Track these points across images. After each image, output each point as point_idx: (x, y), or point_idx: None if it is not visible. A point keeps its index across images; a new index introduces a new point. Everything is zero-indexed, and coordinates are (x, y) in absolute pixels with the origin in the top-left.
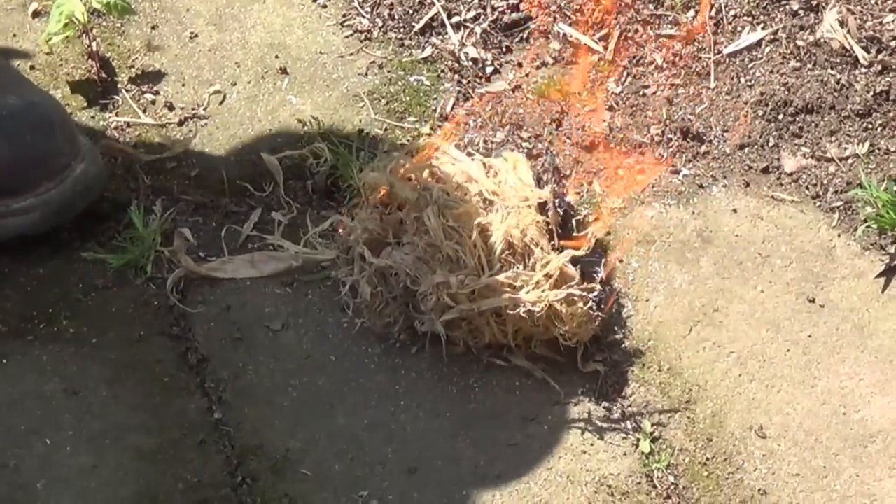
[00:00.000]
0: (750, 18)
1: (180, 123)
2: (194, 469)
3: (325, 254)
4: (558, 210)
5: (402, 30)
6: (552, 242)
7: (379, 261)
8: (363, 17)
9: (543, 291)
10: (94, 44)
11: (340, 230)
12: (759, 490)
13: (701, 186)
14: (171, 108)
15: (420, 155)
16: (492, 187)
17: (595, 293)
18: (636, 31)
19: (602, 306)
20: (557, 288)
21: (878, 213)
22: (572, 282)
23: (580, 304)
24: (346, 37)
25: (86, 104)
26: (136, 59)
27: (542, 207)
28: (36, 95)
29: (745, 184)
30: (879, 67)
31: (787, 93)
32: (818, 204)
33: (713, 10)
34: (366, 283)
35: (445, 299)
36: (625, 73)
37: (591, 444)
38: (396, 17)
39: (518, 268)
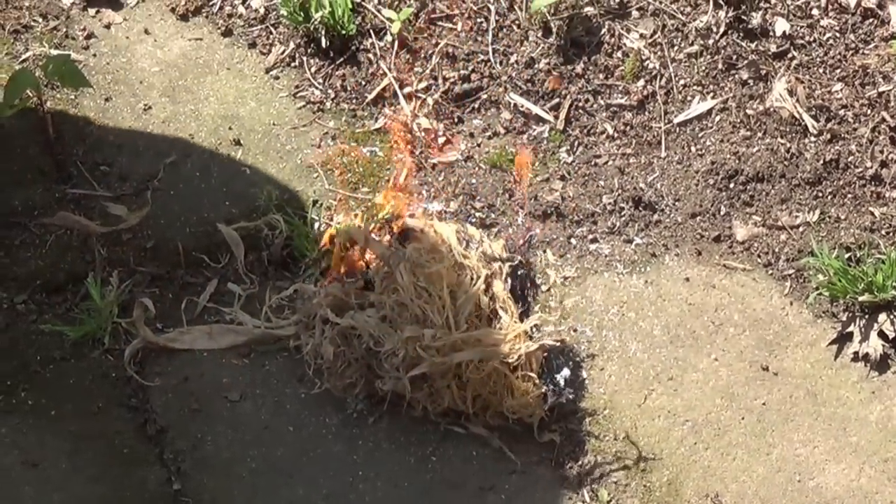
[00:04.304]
0: (700, 87)
1: (135, 195)
2: None
3: (285, 329)
4: (522, 280)
5: (354, 101)
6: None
7: (343, 321)
8: (316, 88)
9: (516, 345)
10: (48, 116)
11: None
12: None
13: (653, 255)
14: (125, 179)
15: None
16: (463, 251)
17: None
18: (587, 100)
19: (557, 393)
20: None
21: (830, 281)
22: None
23: (533, 383)
24: (299, 108)
25: (40, 176)
26: (91, 130)
27: (510, 276)
28: None
29: (697, 252)
30: (829, 136)
31: (737, 161)
32: (770, 272)
33: (663, 80)
34: (328, 344)
35: (417, 352)
36: (576, 143)
37: None
38: (349, 88)
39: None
